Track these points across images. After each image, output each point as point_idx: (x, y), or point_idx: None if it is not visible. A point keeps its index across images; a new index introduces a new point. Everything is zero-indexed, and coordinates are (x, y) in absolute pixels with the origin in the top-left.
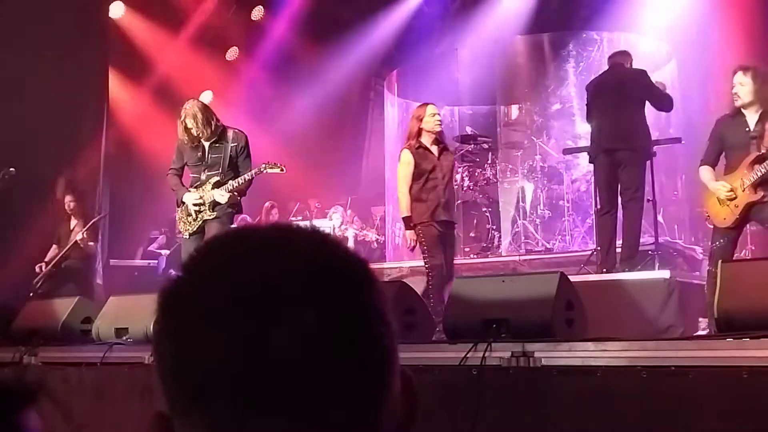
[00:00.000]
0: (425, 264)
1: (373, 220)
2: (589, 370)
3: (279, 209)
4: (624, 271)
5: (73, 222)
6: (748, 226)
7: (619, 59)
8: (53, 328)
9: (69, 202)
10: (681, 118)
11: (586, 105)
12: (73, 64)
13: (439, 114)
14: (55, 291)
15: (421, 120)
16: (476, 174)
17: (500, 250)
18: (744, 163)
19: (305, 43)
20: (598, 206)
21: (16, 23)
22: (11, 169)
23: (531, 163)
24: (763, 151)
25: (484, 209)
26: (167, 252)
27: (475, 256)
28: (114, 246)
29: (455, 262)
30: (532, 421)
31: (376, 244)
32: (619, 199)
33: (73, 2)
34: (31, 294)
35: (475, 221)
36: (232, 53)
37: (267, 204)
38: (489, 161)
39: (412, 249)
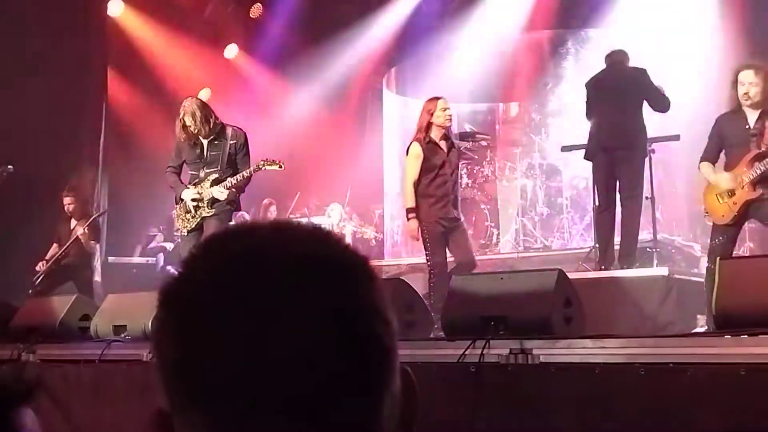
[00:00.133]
0: (427, 261)
1: (372, 218)
2: (587, 367)
3: (277, 206)
4: (622, 268)
5: (73, 222)
6: (746, 223)
7: (618, 57)
8: (51, 325)
9: (68, 204)
10: (680, 115)
11: (585, 103)
12: (72, 62)
13: (449, 109)
14: (54, 289)
15: (431, 114)
16: (475, 171)
17: (499, 248)
18: (743, 161)
19: (304, 41)
20: (597, 203)
21: (15, 22)
22: (9, 166)
23: (530, 160)
24: (763, 148)
25: (482, 207)
26: (171, 246)
27: (474, 254)
28: (112, 243)
29: (451, 259)
30: (530, 418)
31: (374, 242)
32: (618, 196)
33: (72, 0)
34: (30, 291)
35: (473, 219)
36: (231, 51)
37: (265, 201)
38: (488, 159)
39: (418, 239)
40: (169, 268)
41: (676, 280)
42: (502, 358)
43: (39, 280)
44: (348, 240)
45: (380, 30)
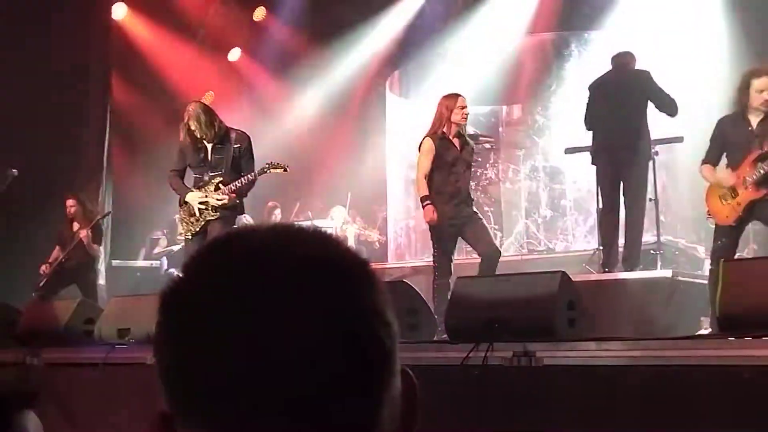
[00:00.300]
0: (433, 260)
1: (375, 220)
2: (591, 370)
3: (282, 209)
4: (626, 270)
5: (76, 225)
6: (750, 224)
7: (623, 59)
8: (56, 329)
9: (71, 206)
10: (684, 117)
11: (588, 105)
12: (76, 66)
13: (467, 108)
14: (57, 291)
15: (450, 111)
16: (478, 174)
17: (502, 250)
18: (746, 161)
19: (307, 44)
20: (601, 206)
21: (18, 24)
22: (13, 170)
23: (533, 162)
24: (765, 149)
25: (486, 209)
26: (175, 248)
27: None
28: (116, 247)
29: (457, 261)
30: (534, 420)
31: (377, 244)
32: (622, 198)
33: (76, 3)
34: (34, 295)
35: None
36: (234, 54)
37: (270, 204)
38: (491, 161)
39: (435, 220)
40: (172, 271)
41: (680, 283)
42: (506, 361)
43: (42, 283)
44: (351, 242)
45: (383, 33)
